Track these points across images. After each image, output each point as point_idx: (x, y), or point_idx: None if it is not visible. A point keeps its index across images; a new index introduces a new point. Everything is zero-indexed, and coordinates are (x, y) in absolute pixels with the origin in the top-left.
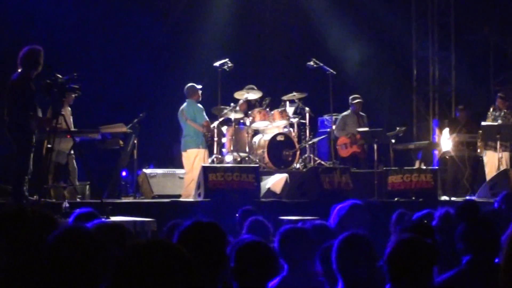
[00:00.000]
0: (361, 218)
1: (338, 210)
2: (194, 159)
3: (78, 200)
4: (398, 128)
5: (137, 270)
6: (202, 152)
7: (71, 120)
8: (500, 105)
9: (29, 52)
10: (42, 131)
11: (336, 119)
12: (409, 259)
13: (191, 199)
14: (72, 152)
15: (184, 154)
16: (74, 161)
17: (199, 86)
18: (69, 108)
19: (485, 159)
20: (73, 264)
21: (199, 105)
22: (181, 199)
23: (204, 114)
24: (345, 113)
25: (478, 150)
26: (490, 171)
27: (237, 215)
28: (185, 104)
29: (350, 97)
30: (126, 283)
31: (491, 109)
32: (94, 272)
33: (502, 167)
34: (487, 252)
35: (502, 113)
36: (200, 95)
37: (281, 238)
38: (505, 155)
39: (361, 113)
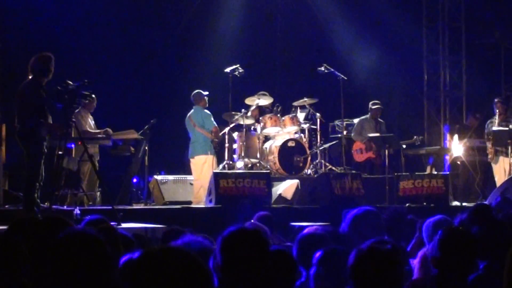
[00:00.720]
0: (375, 225)
1: (352, 216)
2: (203, 166)
3: (89, 206)
4: (415, 137)
5: (153, 277)
6: (210, 158)
7: (93, 126)
8: (500, 109)
9: (40, 59)
10: (53, 137)
11: (347, 124)
12: (374, 269)
13: (202, 206)
14: (92, 158)
15: (192, 160)
16: (95, 168)
17: (206, 93)
18: (91, 116)
19: (495, 164)
20: (75, 266)
21: (207, 111)
22: (192, 206)
23: (212, 119)
24: (363, 117)
25: (489, 156)
26: (500, 176)
27: (252, 221)
28: (192, 110)
29: (370, 102)
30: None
31: (496, 115)
32: (96, 275)
33: None
34: (503, 256)
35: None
36: (206, 101)
37: (299, 244)
38: None
39: (379, 119)
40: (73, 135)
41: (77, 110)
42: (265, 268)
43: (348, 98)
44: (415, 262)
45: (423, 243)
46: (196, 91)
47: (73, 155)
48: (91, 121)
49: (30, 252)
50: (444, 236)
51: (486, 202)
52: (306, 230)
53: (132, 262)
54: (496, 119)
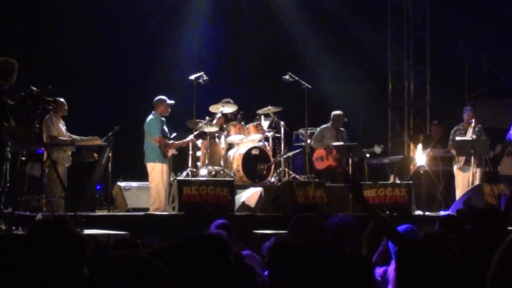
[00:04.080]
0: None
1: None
2: (151, 173)
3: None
4: (376, 146)
5: (113, 282)
6: (158, 166)
7: (65, 131)
8: (471, 117)
9: (3, 64)
10: (17, 143)
11: (311, 133)
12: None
13: (165, 212)
14: (56, 164)
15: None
16: (58, 174)
17: (170, 102)
18: (63, 121)
19: (463, 173)
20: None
21: (162, 119)
22: (155, 212)
23: (158, 129)
24: (324, 126)
25: (460, 165)
26: (463, 185)
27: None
28: (149, 117)
29: (332, 112)
30: None
31: (465, 124)
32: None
33: (476, 182)
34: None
35: (477, 128)
36: (166, 109)
37: (273, 251)
38: (478, 170)
39: (341, 128)
40: (44, 140)
41: (47, 116)
42: (226, 275)
43: (312, 106)
44: (389, 270)
45: (389, 251)
46: (158, 97)
47: (44, 160)
48: (62, 126)
49: None
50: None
51: (450, 211)
52: (274, 239)
53: (94, 267)
54: (468, 129)
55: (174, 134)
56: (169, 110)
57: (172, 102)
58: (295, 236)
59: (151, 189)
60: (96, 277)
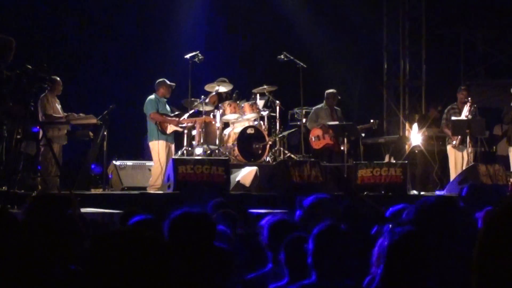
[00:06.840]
0: (326, 212)
1: (304, 203)
2: (152, 151)
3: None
4: (372, 121)
5: (110, 257)
6: (155, 144)
7: (60, 109)
8: (466, 97)
9: None
10: (13, 122)
11: (306, 112)
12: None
13: (160, 191)
14: (51, 143)
15: None
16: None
17: (171, 83)
18: (58, 100)
19: (459, 152)
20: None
21: (155, 97)
22: (150, 191)
23: (152, 107)
24: (318, 106)
25: (454, 143)
26: (457, 165)
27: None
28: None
29: (326, 91)
30: (100, 270)
31: (459, 103)
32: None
33: (471, 162)
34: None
35: (472, 108)
36: (167, 91)
37: (270, 230)
38: (472, 150)
39: (335, 107)
40: (40, 119)
41: (43, 94)
42: (210, 250)
43: (307, 86)
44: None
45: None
46: (159, 79)
47: (39, 138)
48: (57, 105)
49: None
50: None
51: (445, 192)
52: (273, 217)
53: (90, 243)
54: (462, 109)
55: (177, 113)
56: (170, 91)
57: (173, 84)
58: (310, 217)
59: (153, 167)
60: (95, 251)
